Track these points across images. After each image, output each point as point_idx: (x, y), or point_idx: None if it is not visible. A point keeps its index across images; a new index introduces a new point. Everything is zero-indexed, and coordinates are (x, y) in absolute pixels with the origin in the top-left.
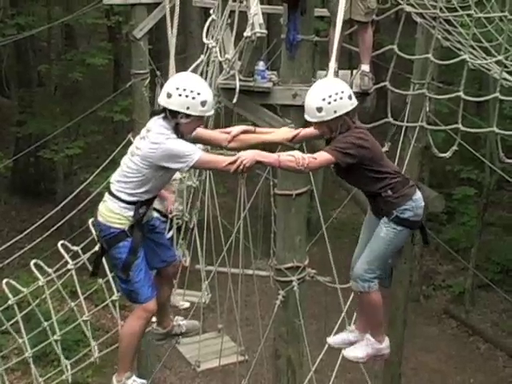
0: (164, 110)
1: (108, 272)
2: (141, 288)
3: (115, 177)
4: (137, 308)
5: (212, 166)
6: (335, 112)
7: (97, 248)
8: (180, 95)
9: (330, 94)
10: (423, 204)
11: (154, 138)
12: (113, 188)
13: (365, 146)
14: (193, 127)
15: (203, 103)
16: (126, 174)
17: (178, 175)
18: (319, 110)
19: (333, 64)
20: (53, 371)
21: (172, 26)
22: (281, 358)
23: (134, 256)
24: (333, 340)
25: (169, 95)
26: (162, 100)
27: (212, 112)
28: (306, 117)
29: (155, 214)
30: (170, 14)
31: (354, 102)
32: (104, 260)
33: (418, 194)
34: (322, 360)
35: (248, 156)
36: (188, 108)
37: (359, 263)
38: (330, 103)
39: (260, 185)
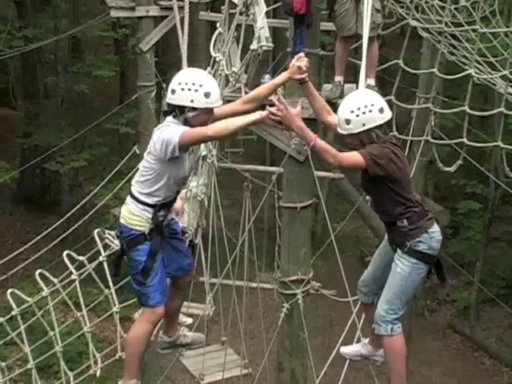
0: (173, 109)
1: (111, 284)
2: (153, 292)
3: (134, 178)
4: (145, 311)
5: (200, 135)
6: (364, 125)
7: (101, 258)
8: (183, 89)
9: (359, 106)
10: (440, 238)
11: (156, 135)
12: (133, 189)
13: (397, 164)
14: (202, 120)
15: (207, 94)
16: (142, 173)
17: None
18: (347, 122)
19: (363, 78)
20: (56, 383)
21: (183, 37)
22: (285, 371)
23: (153, 260)
24: (346, 350)
25: (173, 91)
26: (168, 98)
27: (220, 103)
28: (338, 128)
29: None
30: (180, 25)
31: (386, 116)
32: (107, 272)
33: (435, 228)
34: (326, 373)
35: (290, 115)
36: (192, 101)
37: (379, 305)
38: (358, 116)
39: (265, 197)
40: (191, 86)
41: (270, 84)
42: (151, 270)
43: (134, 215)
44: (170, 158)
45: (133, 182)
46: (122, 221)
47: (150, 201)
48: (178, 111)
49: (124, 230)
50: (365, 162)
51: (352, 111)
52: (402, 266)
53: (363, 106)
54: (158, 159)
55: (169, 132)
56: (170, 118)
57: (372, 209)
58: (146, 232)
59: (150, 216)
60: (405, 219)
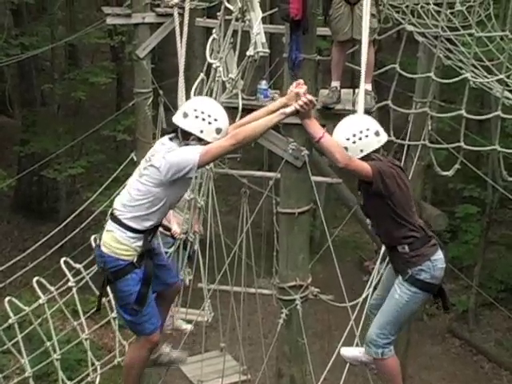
0: (175, 130)
1: (108, 291)
2: (148, 321)
3: (121, 202)
4: (140, 338)
5: (223, 149)
6: (361, 151)
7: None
8: (197, 117)
9: (355, 132)
10: (443, 266)
11: (156, 161)
12: (120, 216)
13: (401, 187)
14: None
15: (218, 130)
16: (135, 197)
17: (186, 195)
18: (345, 150)
19: (362, 91)
20: None
21: (181, 44)
22: (284, 377)
23: (147, 287)
24: (346, 352)
25: (185, 115)
26: (177, 119)
27: None
28: None
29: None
30: (179, 35)
31: (382, 139)
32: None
33: (439, 255)
34: (326, 379)
35: (305, 111)
36: (202, 131)
37: (372, 326)
38: (354, 142)
39: (261, 202)
40: (206, 116)
41: (265, 109)
42: (147, 298)
43: (120, 244)
44: (176, 179)
45: (118, 206)
46: (104, 250)
47: (140, 227)
48: (182, 135)
49: (108, 261)
50: (372, 174)
51: (348, 138)
52: (401, 293)
53: (359, 131)
54: (160, 183)
55: (179, 155)
56: (166, 141)
57: (372, 233)
58: (135, 260)
59: (140, 244)
60: (406, 245)
